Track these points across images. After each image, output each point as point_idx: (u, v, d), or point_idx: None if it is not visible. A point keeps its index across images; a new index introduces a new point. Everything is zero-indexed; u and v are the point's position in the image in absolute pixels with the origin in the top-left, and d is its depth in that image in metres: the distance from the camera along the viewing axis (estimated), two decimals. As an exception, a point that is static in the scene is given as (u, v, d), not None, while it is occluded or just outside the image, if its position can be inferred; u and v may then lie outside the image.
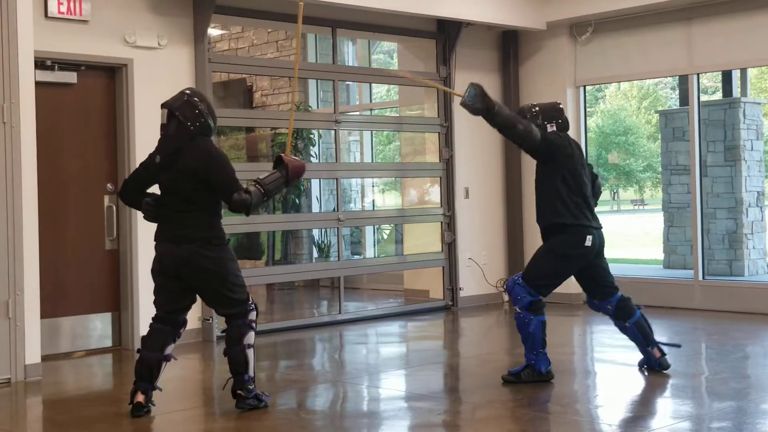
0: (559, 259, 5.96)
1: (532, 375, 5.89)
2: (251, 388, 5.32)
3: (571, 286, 9.77)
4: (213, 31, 9.93)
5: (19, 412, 5.87)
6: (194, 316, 7.74)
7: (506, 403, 5.53)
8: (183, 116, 5.22)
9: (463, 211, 9.77)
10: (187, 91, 5.39)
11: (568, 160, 5.94)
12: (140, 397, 5.26)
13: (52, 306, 7.03)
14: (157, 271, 5.34)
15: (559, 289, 9.78)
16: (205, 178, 5.17)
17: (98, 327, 7.54)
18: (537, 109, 6.07)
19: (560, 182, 5.88)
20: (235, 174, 5.26)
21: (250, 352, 5.32)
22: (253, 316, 5.38)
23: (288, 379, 6.60)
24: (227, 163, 5.29)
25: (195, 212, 5.22)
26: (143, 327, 7.46)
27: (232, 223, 7.95)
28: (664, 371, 6.09)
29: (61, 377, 6.68)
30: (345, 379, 6.46)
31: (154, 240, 5.37)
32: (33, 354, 6.40)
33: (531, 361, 5.90)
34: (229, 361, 5.33)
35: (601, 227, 6.11)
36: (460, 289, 9.66)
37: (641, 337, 6.17)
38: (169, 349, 5.35)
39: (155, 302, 5.39)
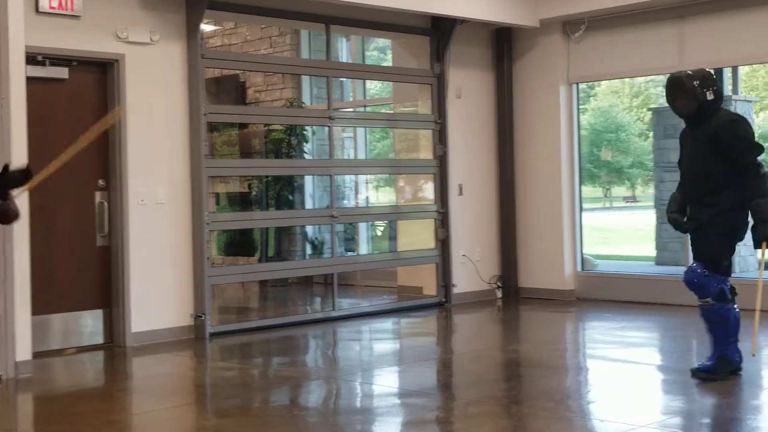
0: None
1: (725, 366, 5.70)
2: None
3: (562, 282, 9.83)
4: (206, 27, 9.90)
5: (10, 409, 5.85)
6: (186, 312, 7.74)
7: (499, 399, 5.53)
8: None
9: (456, 208, 9.77)
10: None
11: None
12: None
13: (43, 303, 7.00)
14: None
15: (551, 285, 9.88)
16: None
17: (89, 324, 7.51)
18: (698, 82, 5.79)
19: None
20: None
21: None
22: None
23: (281, 375, 6.60)
24: None
25: None
26: (135, 324, 7.49)
27: (227, 220, 7.93)
28: None
29: (52, 374, 6.67)
30: (338, 376, 6.46)
31: None
32: (24, 351, 6.38)
33: (722, 351, 5.70)
34: None
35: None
36: (453, 285, 9.66)
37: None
38: None
39: None
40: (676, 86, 5.87)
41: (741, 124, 5.76)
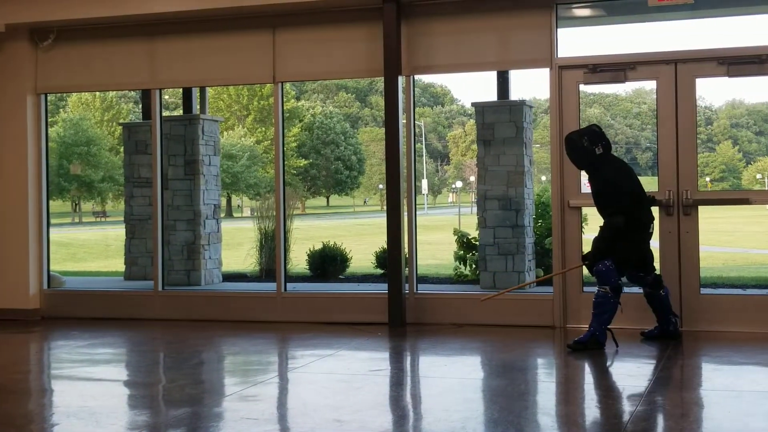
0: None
1: (595, 344, 6.87)
2: None
3: (26, 301, 9.39)
4: None
5: None
6: None
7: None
8: None
9: None
10: None
11: None
12: None
13: None
14: None
15: (15, 305, 9.40)
16: None
17: None
18: (587, 139, 7.00)
19: None
20: None
21: None
22: None
23: None
24: None
25: None
26: None
27: None
28: None
29: None
30: None
31: None
32: None
33: (596, 332, 6.88)
34: None
35: None
36: None
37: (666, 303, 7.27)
38: None
39: None
40: (569, 145, 7.10)
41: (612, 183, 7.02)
